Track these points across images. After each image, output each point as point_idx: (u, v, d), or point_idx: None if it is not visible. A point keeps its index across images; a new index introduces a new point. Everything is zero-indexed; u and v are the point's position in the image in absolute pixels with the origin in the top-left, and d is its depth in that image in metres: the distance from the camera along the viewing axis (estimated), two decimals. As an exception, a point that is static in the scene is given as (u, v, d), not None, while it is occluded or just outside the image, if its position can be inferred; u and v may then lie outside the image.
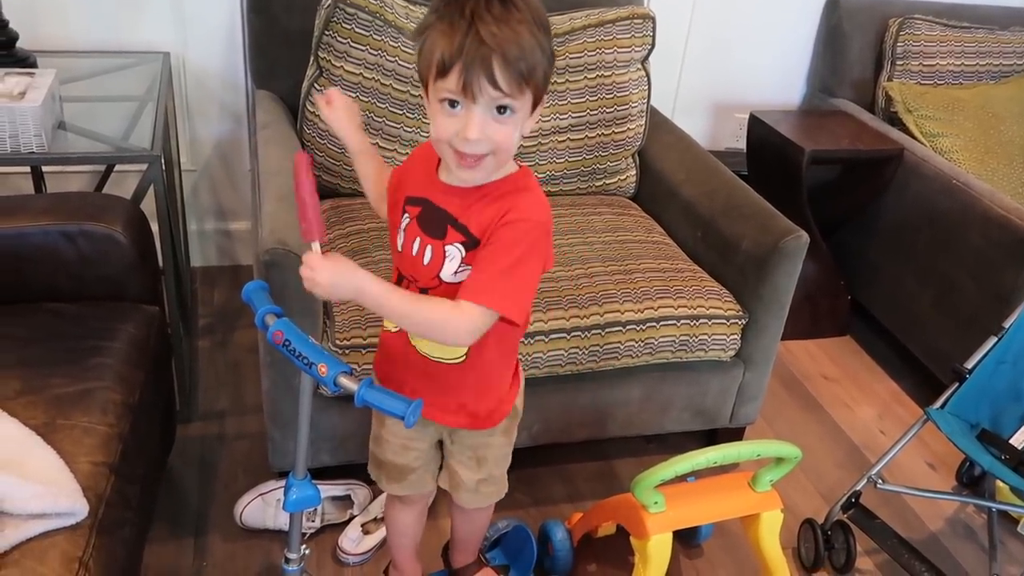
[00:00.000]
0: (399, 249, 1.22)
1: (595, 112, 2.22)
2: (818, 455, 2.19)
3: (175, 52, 2.32)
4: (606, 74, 2.21)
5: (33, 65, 2.00)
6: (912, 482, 2.13)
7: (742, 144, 2.73)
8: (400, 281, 1.24)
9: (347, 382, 1.08)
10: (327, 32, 1.99)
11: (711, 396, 2.00)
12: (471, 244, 1.15)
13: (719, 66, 2.82)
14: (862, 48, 2.76)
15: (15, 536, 1.13)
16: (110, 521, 1.25)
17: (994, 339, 1.81)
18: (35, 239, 1.56)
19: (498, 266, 1.11)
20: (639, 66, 2.26)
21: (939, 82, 2.74)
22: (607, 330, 1.80)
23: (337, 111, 1.29)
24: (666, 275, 1.92)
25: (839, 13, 2.74)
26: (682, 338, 1.86)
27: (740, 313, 1.92)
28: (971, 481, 2.13)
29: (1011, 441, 1.76)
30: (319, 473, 1.51)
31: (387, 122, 2.06)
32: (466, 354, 1.24)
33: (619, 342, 1.82)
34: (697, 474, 1.55)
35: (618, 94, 2.23)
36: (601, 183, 2.31)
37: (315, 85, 2.04)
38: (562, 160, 2.24)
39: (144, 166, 1.80)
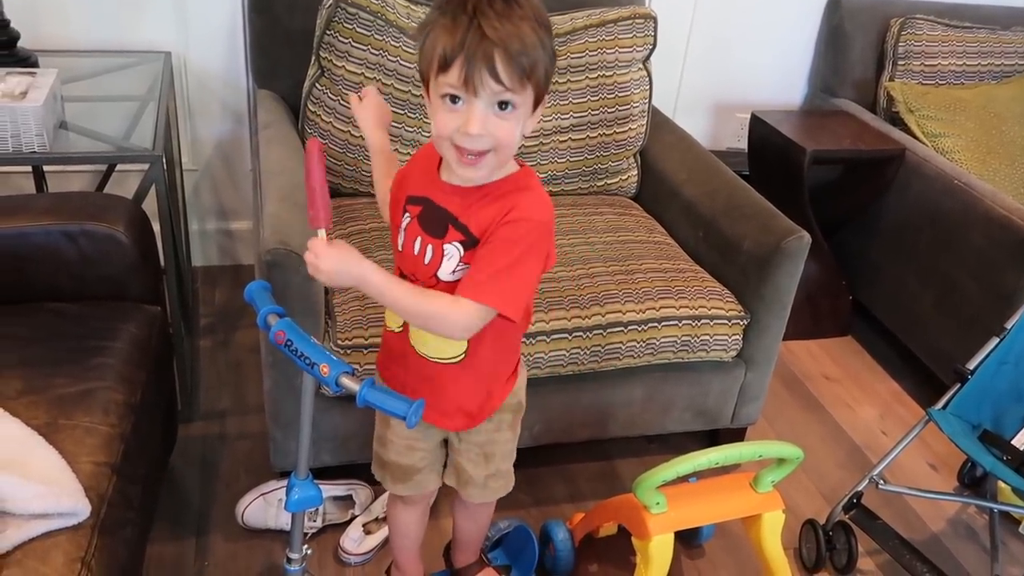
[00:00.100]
0: (400, 248, 1.23)
1: (596, 112, 2.22)
2: (819, 455, 2.19)
3: (176, 52, 2.32)
4: (607, 74, 2.21)
5: (34, 65, 2.01)
6: (914, 483, 2.13)
7: (743, 144, 2.73)
8: (401, 280, 1.24)
9: (349, 382, 1.08)
10: (328, 32, 1.99)
11: (713, 396, 2.00)
12: (470, 243, 1.15)
13: (720, 66, 2.82)
14: (864, 48, 2.76)
15: (17, 536, 1.13)
16: (112, 521, 1.25)
17: (996, 340, 1.80)
18: (37, 239, 1.56)
19: (497, 264, 1.11)
20: (640, 66, 2.26)
21: (941, 82, 2.74)
22: (609, 330, 1.80)
23: (366, 108, 1.30)
24: (668, 275, 1.92)
25: (840, 13, 2.74)
26: (684, 338, 1.86)
27: (741, 313, 1.92)
28: (973, 482, 2.13)
29: (1013, 442, 1.76)
30: (321, 473, 1.51)
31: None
32: (464, 352, 1.24)
33: (621, 342, 1.82)
34: (699, 475, 1.55)
35: (619, 94, 2.23)
36: (602, 183, 2.31)
37: (316, 85, 2.04)
38: (563, 160, 2.24)
39: (145, 166, 1.80)
